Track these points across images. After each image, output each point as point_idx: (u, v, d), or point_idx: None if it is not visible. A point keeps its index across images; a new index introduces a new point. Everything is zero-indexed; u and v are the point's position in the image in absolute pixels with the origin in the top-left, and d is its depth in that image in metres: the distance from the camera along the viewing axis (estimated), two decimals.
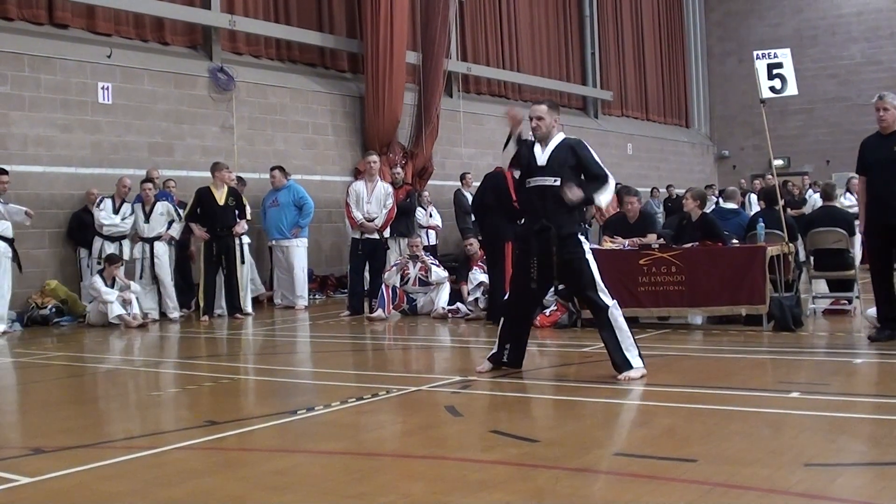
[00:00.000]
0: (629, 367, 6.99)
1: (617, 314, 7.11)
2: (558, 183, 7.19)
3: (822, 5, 30.54)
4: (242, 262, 13.60)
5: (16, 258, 12.00)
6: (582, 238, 7.30)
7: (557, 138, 7.37)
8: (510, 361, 7.54)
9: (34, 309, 12.94)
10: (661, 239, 10.75)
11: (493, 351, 7.59)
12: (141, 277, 13.19)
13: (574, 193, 7.10)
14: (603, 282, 7.26)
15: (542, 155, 7.33)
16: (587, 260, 7.23)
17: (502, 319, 7.72)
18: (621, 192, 12.29)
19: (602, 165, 7.35)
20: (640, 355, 7.12)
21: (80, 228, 13.56)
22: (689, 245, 10.32)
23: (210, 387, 7.64)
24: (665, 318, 10.71)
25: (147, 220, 13.22)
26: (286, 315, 13.72)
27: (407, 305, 12.89)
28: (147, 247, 13.24)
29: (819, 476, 4.36)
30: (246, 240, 13.88)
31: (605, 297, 7.16)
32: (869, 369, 7.81)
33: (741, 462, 4.56)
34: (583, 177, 7.31)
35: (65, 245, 13.69)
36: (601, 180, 7.26)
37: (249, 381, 8.31)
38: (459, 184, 18.30)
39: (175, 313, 13.25)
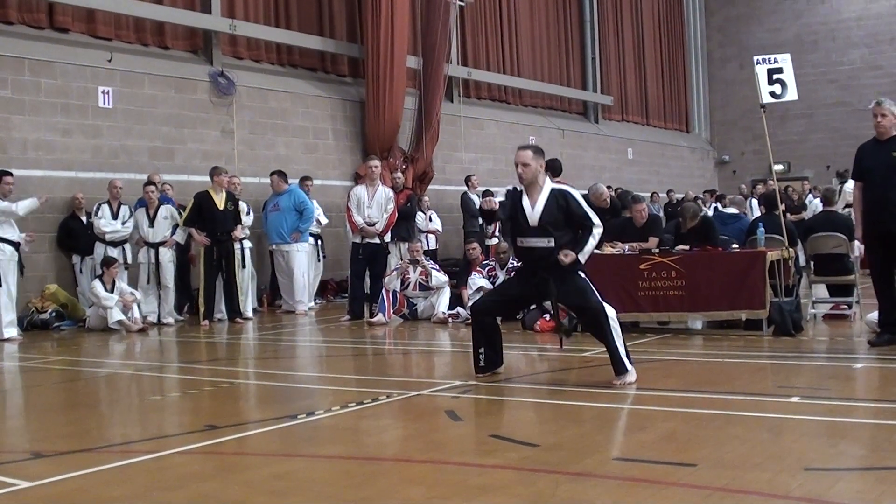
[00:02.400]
0: (625, 370, 7.03)
1: (612, 316, 7.13)
2: (552, 244, 7.19)
3: (822, 10, 30.57)
4: (244, 267, 13.64)
5: (19, 261, 11.97)
6: (579, 273, 7.27)
7: (545, 190, 7.28)
8: (487, 365, 7.51)
9: (34, 313, 12.94)
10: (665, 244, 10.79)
11: (474, 363, 7.58)
12: (148, 283, 13.19)
13: (569, 258, 7.12)
14: (596, 288, 7.29)
15: (532, 212, 7.26)
16: (585, 285, 7.24)
17: (472, 328, 7.74)
18: (628, 200, 12.34)
19: (589, 212, 7.31)
20: (630, 359, 7.18)
21: (70, 236, 13.55)
22: (688, 248, 10.32)
23: (210, 391, 7.63)
24: (665, 323, 10.70)
25: (151, 224, 13.23)
26: (286, 319, 13.72)
27: (407, 310, 12.87)
28: (152, 252, 13.24)
29: (819, 480, 4.36)
30: (247, 244, 13.93)
31: (598, 301, 7.18)
32: (869, 374, 7.81)
33: (741, 466, 4.56)
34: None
35: (59, 251, 13.69)
36: (587, 230, 7.26)
37: (249, 385, 8.31)
38: (465, 187, 18.29)
39: (170, 318, 13.24)
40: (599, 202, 12.15)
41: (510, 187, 7.50)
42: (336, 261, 17.08)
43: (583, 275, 7.28)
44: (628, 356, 7.12)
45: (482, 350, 7.52)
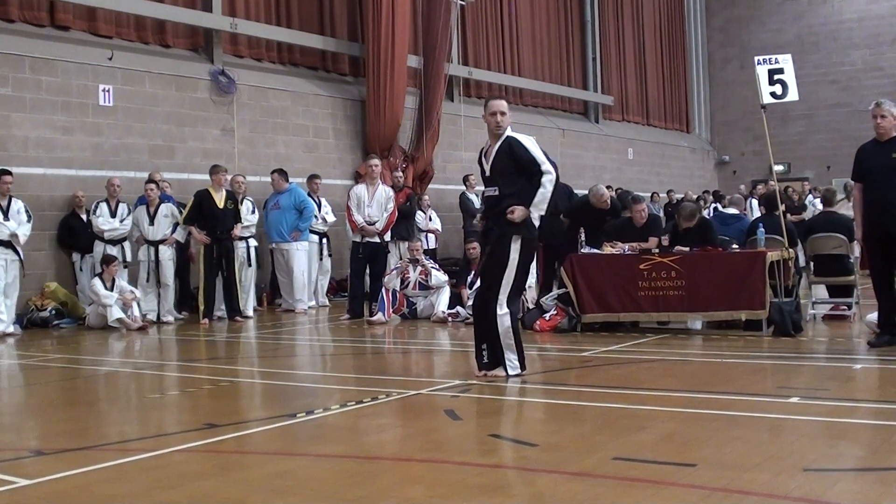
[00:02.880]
0: (498, 366, 7.26)
1: (505, 320, 7.21)
2: (497, 192, 7.26)
3: (823, 11, 30.56)
4: (250, 266, 13.71)
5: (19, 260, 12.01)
6: (515, 241, 7.20)
7: (502, 139, 7.36)
8: (490, 362, 7.47)
9: (34, 311, 12.93)
10: (666, 237, 10.80)
11: (477, 359, 7.58)
12: (147, 281, 13.19)
13: (515, 213, 7.14)
14: (513, 288, 7.27)
15: (487, 164, 7.39)
16: (510, 260, 7.19)
17: (474, 325, 7.73)
18: (628, 200, 12.34)
19: (536, 157, 7.23)
20: (520, 360, 7.34)
21: (71, 234, 13.56)
22: (688, 248, 10.33)
23: (209, 389, 7.63)
24: (665, 323, 10.71)
25: (151, 222, 13.23)
26: (286, 318, 13.72)
27: (407, 309, 12.87)
28: (152, 250, 13.24)
29: (818, 481, 4.36)
30: (253, 243, 13.97)
31: (501, 303, 7.19)
32: (868, 375, 7.81)
33: (740, 467, 4.56)
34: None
35: (59, 249, 13.69)
36: (536, 178, 7.19)
37: (249, 383, 8.31)
38: (463, 187, 18.30)
39: (169, 316, 13.24)
40: (600, 203, 12.15)
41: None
42: (336, 259, 17.07)
43: (516, 251, 7.19)
44: (520, 358, 7.30)
45: (484, 346, 7.50)
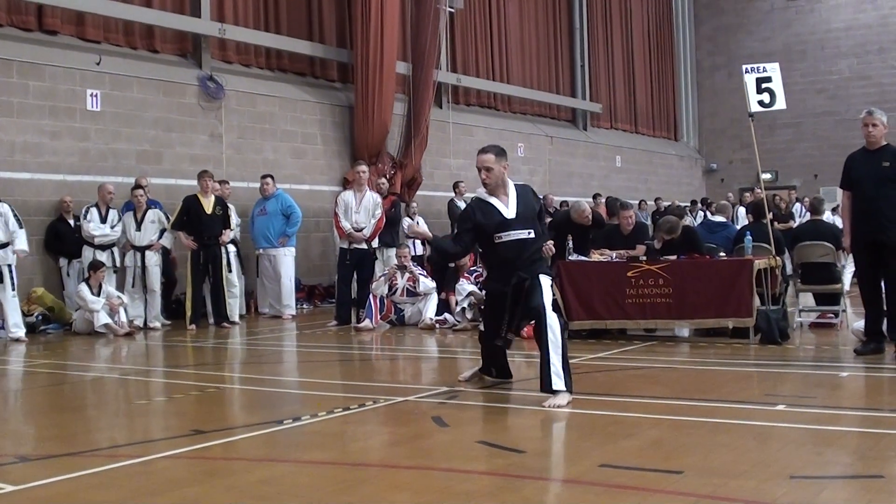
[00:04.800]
0: (550, 388, 6.53)
1: (554, 327, 6.63)
2: (532, 235, 6.94)
3: (811, 20, 30.71)
4: (230, 271, 13.62)
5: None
6: (546, 279, 6.94)
7: (511, 187, 7.01)
8: (492, 375, 7.54)
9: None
10: (655, 244, 10.81)
11: (482, 367, 7.58)
12: (133, 286, 13.14)
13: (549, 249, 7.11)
14: (561, 301, 7.22)
15: (507, 208, 6.93)
16: (546, 288, 6.89)
17: (481, 345, 7.55)
18: (616, 206, 12.32)
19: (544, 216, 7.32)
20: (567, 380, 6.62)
21: (57, 239, 13.50)
22: (676, 256, 10.36)
23: (196, 396, 7.61)
24: (652, 331, 10.73)
25: (139, 228, 13.19)
26: (273, 324, 13.69)
27: (394, 316, 12.86)
28: (138, 255, 13.20)
29: (804, 489, 4.37)
30: (232, 249, 13.91)
31: (544, 304, 6.75)
32: (855, 382, 7.84)
33: (727, 474, 4.57)
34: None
35: (46, 254, 13.63)
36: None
37: (236, 390, 8.30)
38: (452, 193, 18.32)
39: (156, 322, 13.19)
40: (581, 219, 11.98)
41: (472, 198, 7.34)
42: (323, 266, 17.06)
43: (549, 284, 6.95)
44: (567, 375, 6.59)
45: (493, 370, 7.53)
